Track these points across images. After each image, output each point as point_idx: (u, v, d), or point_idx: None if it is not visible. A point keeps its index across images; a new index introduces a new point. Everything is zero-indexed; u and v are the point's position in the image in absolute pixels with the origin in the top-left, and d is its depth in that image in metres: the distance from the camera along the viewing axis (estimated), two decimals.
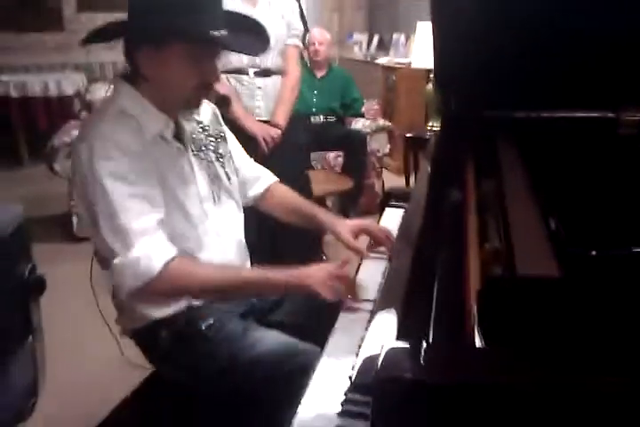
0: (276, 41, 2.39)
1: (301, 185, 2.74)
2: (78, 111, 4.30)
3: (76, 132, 3.75)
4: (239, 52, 1.53)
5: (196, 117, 1.39)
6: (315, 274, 1.21)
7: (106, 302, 1.40)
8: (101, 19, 1.25)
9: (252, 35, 1.34)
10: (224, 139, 1.46)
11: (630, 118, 1.36)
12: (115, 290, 1.27)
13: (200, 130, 1.40)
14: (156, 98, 1.27)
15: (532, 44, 1.29)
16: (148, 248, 1.18)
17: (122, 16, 1.23)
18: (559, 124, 1.41)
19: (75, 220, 3.65)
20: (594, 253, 0.66)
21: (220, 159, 1.42)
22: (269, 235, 2.44)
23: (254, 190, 1.56)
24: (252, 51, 1.44)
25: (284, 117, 2.56)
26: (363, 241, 1.49)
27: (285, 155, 2.52)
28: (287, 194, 1.59)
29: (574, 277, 0.67)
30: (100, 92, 4.41)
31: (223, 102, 1.59)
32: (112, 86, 1.32)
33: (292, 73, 2.63)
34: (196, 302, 1.34)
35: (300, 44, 2.73)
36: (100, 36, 1.23)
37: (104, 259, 1.27)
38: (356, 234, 1.45)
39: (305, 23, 2.91)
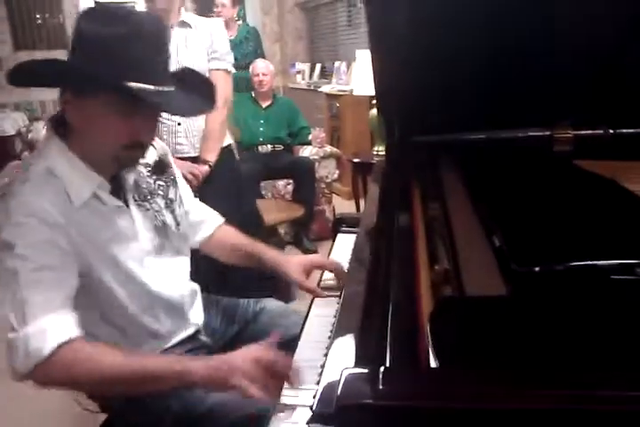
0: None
1: (252, 215, 2.71)
2: (19, 151, 4.20)
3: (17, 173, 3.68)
4: (165, 110, 1.24)
5: (141, 160, 1.26)
6: (239, 366, 0.99)
7: None
8: (39, 57, 1.17)
9: (196, 93, 1.21)
10: (174, 182, 1.37)
11: (564, 135, 1.41)
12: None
13: (148, 174, 1.30)
14: (85, 153, 1.15)
15: (470, 68, 1.34)
16: (44, 325, 1.03)
17: (60, 54, 1.19)
18: (499, 144, 1.45)
19: None
20: (537, 269, 0.68)
21: (170, 205, 1.33)
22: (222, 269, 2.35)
23: (200, 235, 1.49)
24: (184, 112, 1.29)
25: (213, 153, 2.40)
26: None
27: (234, 186, 2.49)
28: (230, 235, 1.51)
29: (521, 294, 0.69)
30: (43, 131, 4.35)
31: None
32: (44, 136, 1.21)
33: (219, 102, 2.17)
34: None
35: (233, 69, 2.48)
36: (28, 76, 1.10)
37: None
38: (307, 271, 1.38)
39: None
